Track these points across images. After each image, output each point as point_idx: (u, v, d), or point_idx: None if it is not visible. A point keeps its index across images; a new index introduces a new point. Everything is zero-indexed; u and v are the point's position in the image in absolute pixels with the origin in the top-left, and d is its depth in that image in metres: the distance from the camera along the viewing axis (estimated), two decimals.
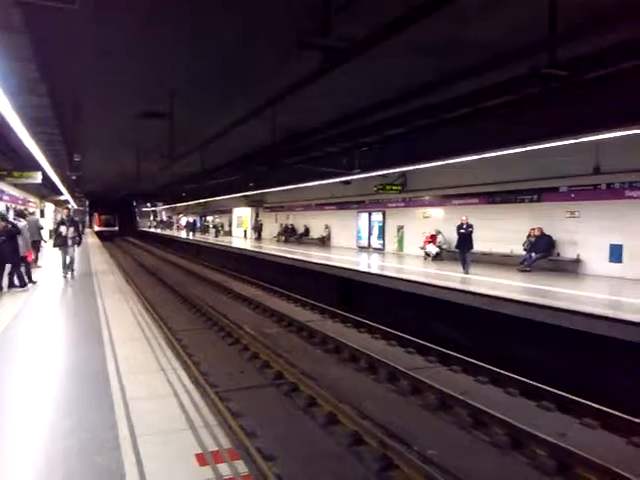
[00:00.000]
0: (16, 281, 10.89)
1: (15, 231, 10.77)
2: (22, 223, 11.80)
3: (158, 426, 3.83)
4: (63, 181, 24.31)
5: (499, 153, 10.99)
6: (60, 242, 12.92)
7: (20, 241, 10.92)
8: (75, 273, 13.39)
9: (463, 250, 13.43)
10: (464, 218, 13.59)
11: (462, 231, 13.45)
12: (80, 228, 14.64)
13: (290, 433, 6.41)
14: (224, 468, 3.21)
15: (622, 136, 8.64)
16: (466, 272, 12.97)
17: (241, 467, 3.23)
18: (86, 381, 4.97)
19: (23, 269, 11.20)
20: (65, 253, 12.97)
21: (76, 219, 14.46)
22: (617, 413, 6.75)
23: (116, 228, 55.99)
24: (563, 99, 8.23)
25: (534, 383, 7.82)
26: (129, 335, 6.88)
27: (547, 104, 8.87)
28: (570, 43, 7.01)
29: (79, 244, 13.75)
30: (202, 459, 3.31)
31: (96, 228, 54.17)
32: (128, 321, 7.85)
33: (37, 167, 16.37)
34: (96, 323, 7.51)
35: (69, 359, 5.89)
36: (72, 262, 13.19)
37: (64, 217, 13.83)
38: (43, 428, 3.90)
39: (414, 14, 5.20)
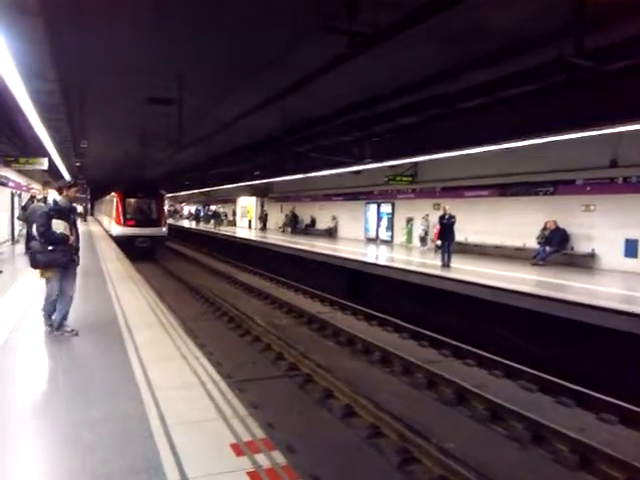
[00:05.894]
0: None
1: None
2: None
3: (189, 416, 3.77)
4: (68, 168, 24.21)
5: (514, 144, 10.85)
6: (56, 257, 5.98)
7: None
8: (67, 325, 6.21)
9: (445, 241, 13.28)
10: (446, 208, 13.56)
11: (444, 222, 13.37)
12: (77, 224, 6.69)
13: (308, 425, 6.35)
14: (261, 458, 3.15)
15: None
16: (447, 264, 12.85)
17: (279, 458, 3.17)
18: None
19: None
20: (59, 283, 6.10)
21: (74, 207, 6.97)
22: (635, 408, 6.68)
23: (163, 230, 25.34)
24: (584, 89, 8.12)
25: (550, 377, 7.75)
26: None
27: (567, 94, 8.73)
28: (595, 33, 6.88)
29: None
30: (238, 449, 3.25)
31: (115, 229, 24.19)
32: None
33: (44, 153, 16.28)
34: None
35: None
36: (67, 305, 6.21)
37: (60, 200, 6.17)
38: (72, 417, 3.81)
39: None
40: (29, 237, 6.44)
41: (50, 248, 5.90)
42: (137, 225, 23.90)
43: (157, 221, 24.80)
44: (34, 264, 6.03)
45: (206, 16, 7.35)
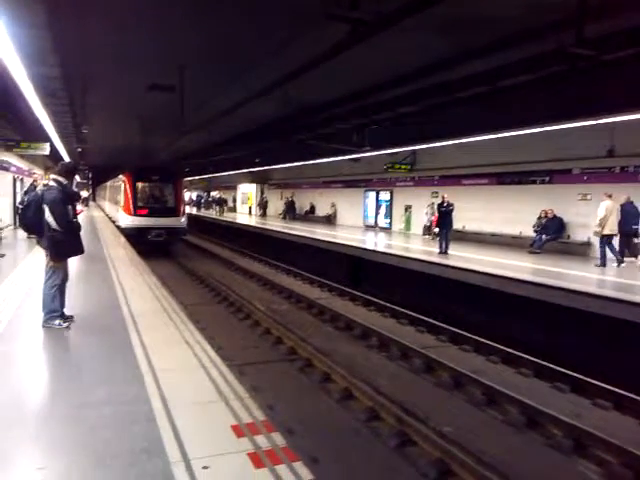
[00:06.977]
0: None
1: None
2: None
3: (190, 398, 3.85)
4: (70, 153, 24.20)
5: (512, 133, 10.88)
6: (79, 244, 6.02)
7: None
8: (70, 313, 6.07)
9: (443, 229, 13.43)
10: (445, 196, 13.70)
11: (442, 209, 13.51)
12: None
13: (307, 407, 6.47)
14: (262, 440, 3.22)
15: (638, 119, 8.53)
16: (445, 251, 13.00)
17: (279, 439, 3.25)
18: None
19: None
20: (65, 271, 5.99)
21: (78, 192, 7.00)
22: (630, 394, 6.78)
23: (182, 220, 20.69)
24: (585, 78, 8.13)
25: (546, 363, 7.86)
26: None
27: (568, 83, 8.74)
28: (595, 21, 6.88)
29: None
30: (238, 431, 3.32)
31: (124, 219, 20.01)
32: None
33: (45, 138, 16.27)
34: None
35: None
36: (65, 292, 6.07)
37: (67, 184, 5.93)
38: (75, 398, 3.88)
39: None
40: (34, 223, 6.16)
41: (69, 237, 5.73)
42: (151, 215, 19.61)
43: (175, 210, 20.33)
44: (67, 253, 5.87)
45: (208, 3, 7.35)
